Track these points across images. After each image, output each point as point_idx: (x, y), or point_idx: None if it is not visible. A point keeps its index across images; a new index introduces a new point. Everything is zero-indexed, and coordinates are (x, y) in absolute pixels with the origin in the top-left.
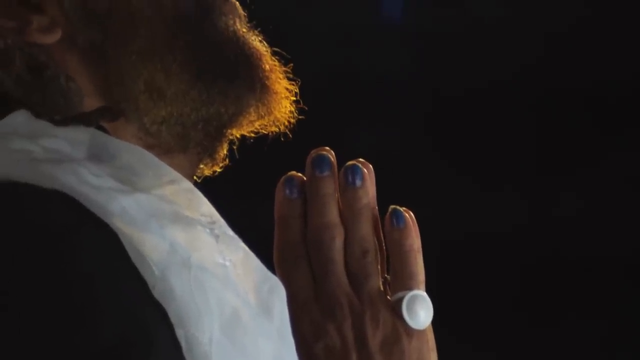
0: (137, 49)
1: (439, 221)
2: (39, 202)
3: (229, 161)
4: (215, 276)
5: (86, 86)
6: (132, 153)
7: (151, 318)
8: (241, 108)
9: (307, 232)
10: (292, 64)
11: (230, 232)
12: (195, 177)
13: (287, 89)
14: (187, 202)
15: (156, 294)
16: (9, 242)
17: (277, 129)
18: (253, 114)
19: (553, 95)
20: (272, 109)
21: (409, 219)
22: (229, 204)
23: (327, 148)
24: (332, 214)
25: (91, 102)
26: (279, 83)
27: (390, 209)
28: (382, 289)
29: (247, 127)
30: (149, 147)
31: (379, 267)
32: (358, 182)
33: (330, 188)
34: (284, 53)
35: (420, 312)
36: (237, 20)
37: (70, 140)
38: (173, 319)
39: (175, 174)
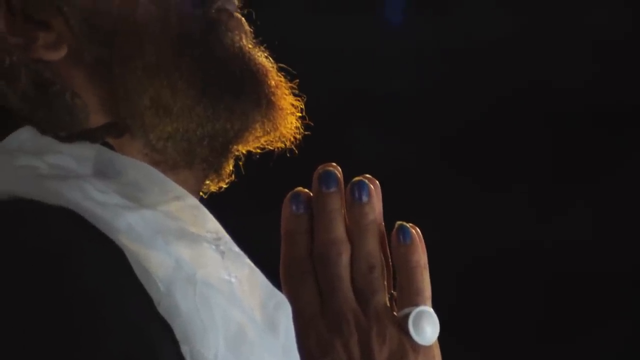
0: (142, 65)
1: (450, 236)
2: (44, 218)
3: (235, 177)
4: (221, 292)
5: (92, 102)
6: (138, 169)
7: (156, 334)
8: (247, 124)
9: (313, 247)
10: (297, 80)
11: (236, 249)
12: (201, 193)
13: (292, 104)
14: (193, 219)
15: (161, 310)
16: (14, 259)
17: (282, 145)
18: (259, 130)
19: (566, 108)
20: (278, 125)
21: (416, 235)
22: (235, 220)
23: (334, 164)
24: (339, 230)
25: (97, 119)
26: (284, 99)
27: (396, 225)
28: (388, 304)
29: (253, 143)
30: (155, 163)
31: (386, 283)
32: (364, 198)
33: (336, 204)
34: (289, 69)
35: (426, 327)
36: (243, 36)
37: (75, 156)
38: (178, 335)
39: (181, 190)
